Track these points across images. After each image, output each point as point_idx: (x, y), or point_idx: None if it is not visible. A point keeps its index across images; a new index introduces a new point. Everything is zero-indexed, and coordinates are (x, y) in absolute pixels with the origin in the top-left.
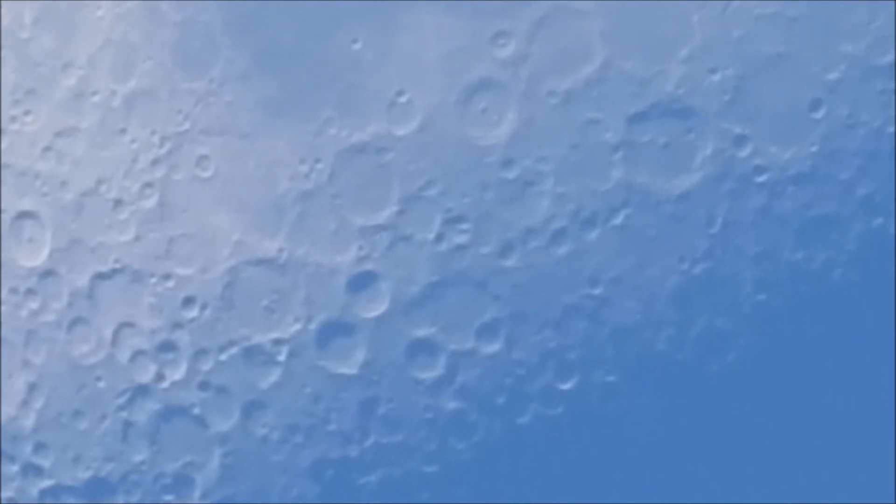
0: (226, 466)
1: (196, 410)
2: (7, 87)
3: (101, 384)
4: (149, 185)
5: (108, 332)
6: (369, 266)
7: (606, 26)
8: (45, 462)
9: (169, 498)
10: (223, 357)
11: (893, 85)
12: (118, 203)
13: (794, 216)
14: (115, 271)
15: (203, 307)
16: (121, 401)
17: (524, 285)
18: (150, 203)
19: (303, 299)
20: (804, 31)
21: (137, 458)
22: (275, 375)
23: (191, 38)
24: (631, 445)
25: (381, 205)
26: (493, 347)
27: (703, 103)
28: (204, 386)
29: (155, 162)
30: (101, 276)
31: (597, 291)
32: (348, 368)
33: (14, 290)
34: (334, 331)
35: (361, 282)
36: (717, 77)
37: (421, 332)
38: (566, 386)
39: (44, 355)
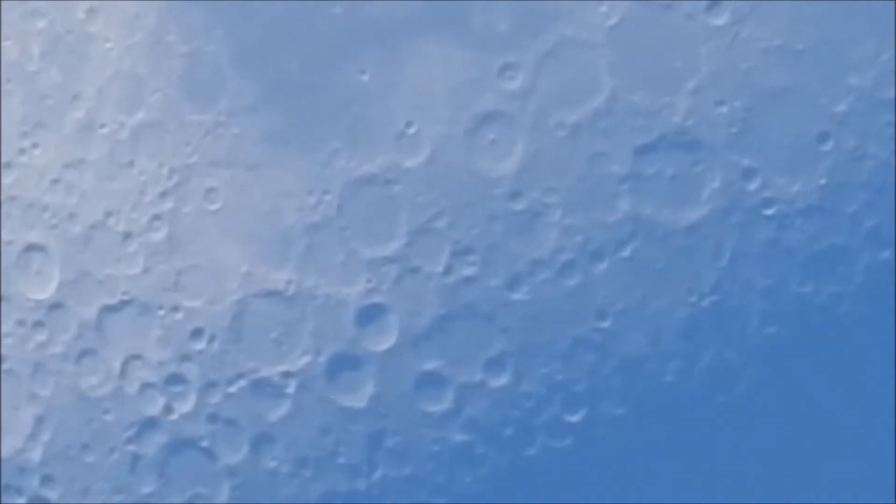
0: (235, 499)
1: (204, 443)
2: (15, 119)
3: (109, 417)
4: (157, 217)
5: (116, 365)
6: (377, 298)
7: (614, 59)
8: (52, 495)
9: None
10: (232, 389)
11: None
12: (126, 235)
13: (802, 249)
14: (123, 303)
15: (211, 339)
16: (129, 433)
17: (532, 318)
18: (158, 235)
19: (311, 332)
20: (811, 63)
21: (146, 490)
22: (283, 408)
23: (198, 70)
24: (639, 478)
25: (390, 237)
26: (500, 380)
27: (711, 135)
28: (212, 418)
29: (163, 194)
30: (109, 309)
31: (605, 324)
32: (357, 401)
33: (22, 323)
34: (343, 363)
35: (370, 314)
36: (724, 109)
37: (429, 364)
38: (574, 418)
39: (51, 388)
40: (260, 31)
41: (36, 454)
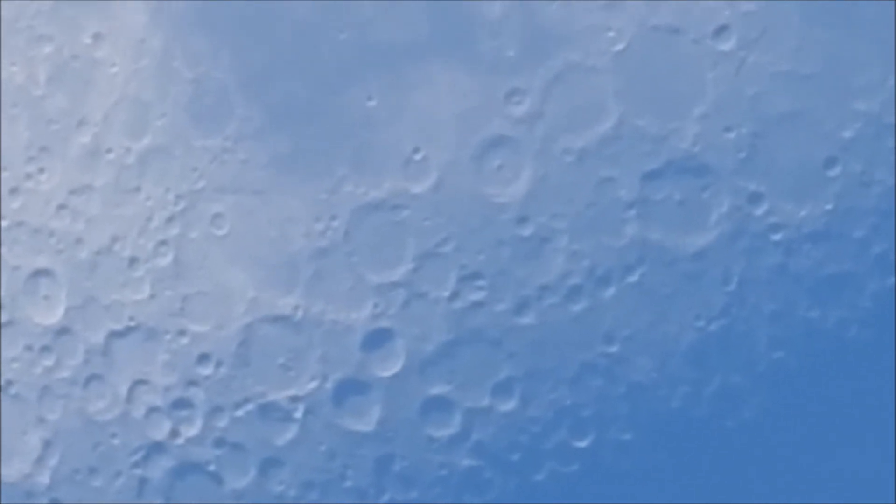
0: None
1: (211, 467)
2: (21, 144)
3: (116, 441)
4: (163, 242)
5: (123, 389)
6: (385, 323)
7: (621, 84)
8: None
9: None
10: (239, 414)
11: None
12: (133, 261)
13: (809, 274)
14: (129, 329)
15: (218, 364)
16: (136, 457)
17: (539, 343)
18: (164, 261)
19: (318, 357)
20: (818, 88)
21: None
22: (291, 432)
23: (205, 95)
24: (646, 503)
25: (397, 262)
26: (508, 405)
27: (718, 161)
28: (219, 443)
29: (170, 220)
30: (116, 334)
31: (612, 349)
32: (364, 426)
33: (29, 348)
34: (350, 388)
35: (377, 339)
36: (731, 135)
37: (436, 389)
38: (581, 443)
39: (59, 412)
40: (266, 56)
41: (43, 478)
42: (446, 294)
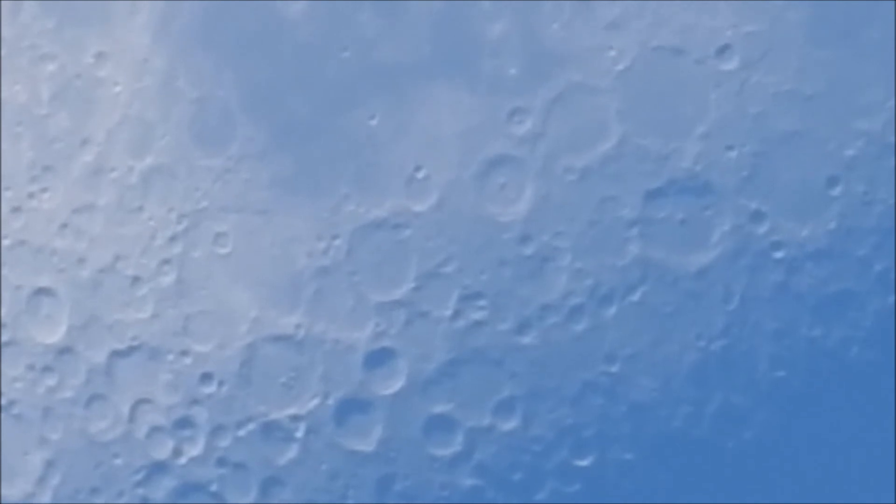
0: None
1: (214, 487)
2: (24, 163)
3: (119, 461)
4: (166, 262)
5: (125, 409)
6: (386, 343)
7: (623, 103)
8: None
9: None
10: (241, 433)
11: None
12: (136, 280)
13: (812, 293)
14: (132, 348)
15: (220, 384)
16: (138, 477)
17: (541, 362)
18: (167, 280)
19: (320, 376)
20: (821, 108)
21: None
22: (292, 452)
23: (207, 115)
24: None
25: (399, 281)
26: (509, 424)
27: (721, 180)
28: (222, 462)
29: (172, 239)
30: (118, 353)
31: (614, 368)
32: (365, 445)
33: (31, 367)
34: (351, 407)
35: (378, 358)
36: (733, 154)
37: (438, 408)
38: (583, 463)
39: (61, 432)
40: (269, 76)
41: (45, 498)
42: (448, 313)
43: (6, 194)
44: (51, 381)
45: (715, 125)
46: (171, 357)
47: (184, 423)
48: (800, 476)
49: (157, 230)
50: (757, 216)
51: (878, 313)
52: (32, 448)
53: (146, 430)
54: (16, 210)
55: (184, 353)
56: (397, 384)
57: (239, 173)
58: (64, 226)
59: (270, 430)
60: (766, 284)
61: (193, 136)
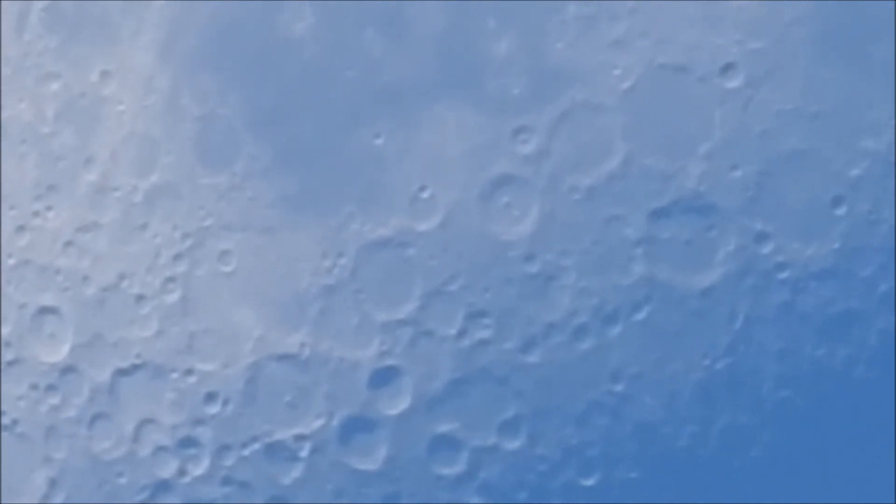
0: None
1: None
2: (29, 182)
3: (123, 480)
4: (171, 280)
5: (129, 428)
6: (391, 361)
7: (628, 122)
8: None
9: None
10: (245, 452)
11: None
12: (140, 298)
13: (816, 313)
14: (136, 367)
15: (225, 403)
16: (142, 496)
17: (546, 381)
18: (171, 298)
19: (325, 395)
20: (826, 127)
21: None
22: (297, 471)
23: (212, 133)
24: None
25: (404, 300)
26: (515, 443)
27: (725, 199)
28: (226, 481)
29: (177, 257)
30: (122, 372)
31: (619, 387)
32: (370, 464)
33: (35, 386)
34: (356, 427)
35: (383, 377)
36: (738, 173)
37: (443, 427)
38: (588, 482)
39: (65, 451)
40: (274, 94)
41: None
42: (453, 332)
43: (10, 213)
44: (54, 399)
45: (719, 144)
46: (175, 375)
47: (188, 441)
48: (805, 495)
49: (161, 248)
50: (761, 236)
51: (882, 333)
52: (36, 467)
53: (151, 449)
54: (20, 228)
55: (188, 371)
56: (402, 403)
57: (244, 191)
58: (68, 244)
59: (275, 449)
60: (771, 304)
61: (198, 154)
